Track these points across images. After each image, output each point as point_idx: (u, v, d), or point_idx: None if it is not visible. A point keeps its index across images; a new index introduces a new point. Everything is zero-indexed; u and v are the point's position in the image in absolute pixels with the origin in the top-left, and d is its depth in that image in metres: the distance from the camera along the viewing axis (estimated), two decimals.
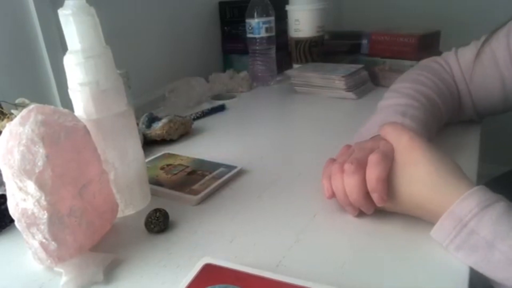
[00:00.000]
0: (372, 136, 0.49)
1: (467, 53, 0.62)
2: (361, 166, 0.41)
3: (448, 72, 0.63)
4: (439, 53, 0.67)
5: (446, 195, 0.37)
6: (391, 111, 0.54)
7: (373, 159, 0.41)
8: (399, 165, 0.41)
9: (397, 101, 0.56)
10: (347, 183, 0.42)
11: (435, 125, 0.56)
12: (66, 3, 0.40)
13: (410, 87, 0.58)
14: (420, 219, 0.41)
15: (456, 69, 0.62)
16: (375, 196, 0.40)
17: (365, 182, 0.41)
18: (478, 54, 0.59)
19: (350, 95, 0.87)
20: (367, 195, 0.41)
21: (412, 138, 0.41)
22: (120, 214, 0.47)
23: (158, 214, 0.44)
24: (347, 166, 0.41)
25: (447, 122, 0.62)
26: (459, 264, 0.36)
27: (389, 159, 0.41)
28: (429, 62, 0.66)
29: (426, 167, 0.39)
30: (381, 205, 0.41)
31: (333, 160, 0.47)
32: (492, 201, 0.35)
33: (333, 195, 0.44)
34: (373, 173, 0.40)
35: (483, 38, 0.60)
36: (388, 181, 0.40)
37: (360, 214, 0.44)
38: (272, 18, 1.00)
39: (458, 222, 0.35)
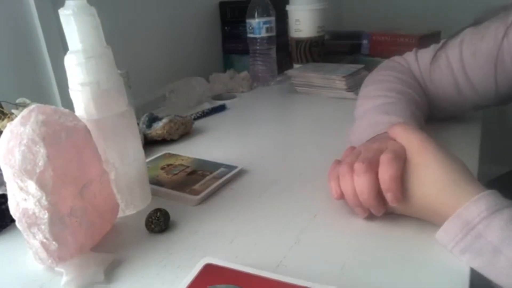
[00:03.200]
0: (368, 137, 0.49)
1: (426, 55, 0.63)
2: (372, 165, 0.41)
3: (408, 69, 0.64)
4: None
5: (456, 198, 0.37)
6: (372, 114, 0.54)
7: (385, 158, 0.40)
8: (411, 166, 0.40)
9: (372, 104, 0.56)
10: (358, 183, 0.41)
11: (419, 113, 0.56)
12: (67, 3, 0.41)
13: (374, 88, 0.59)
14: (422, 221, 0.41)
15: (415, 67, 0.64)
16: (389, 196, 0.40)
17: (376, 181, 0.40)
18: (435, 58, 0.61)
19: (351, 95, 0.87)
20: (378, 195, 0.40)
21: (423, 139, 0.41)
22: (120, 214, 0.47)
23: (158, 214, 0.44)
24: (357, 166, 0.41)
25: (433, 117, 0.62)
26: (460, 266, 0.36)
27: (401, 159, 0.41)
28: (388, 62, 0.68)
29: (437, 170, 0.39)
30: (395, 204, 0.40)
31: (338, 162, 0.46)
32: (502, 206, 0.35)
33: (341, 196, 0.43)
34: (386, 172, 0.39)
35: (441, 45, 0.62)
36: (401, 182, 0.40)
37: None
38: (273, 18, 1.00)
39: (466, 225, 0.35)
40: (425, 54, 0.63)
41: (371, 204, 0.41)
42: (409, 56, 0.66)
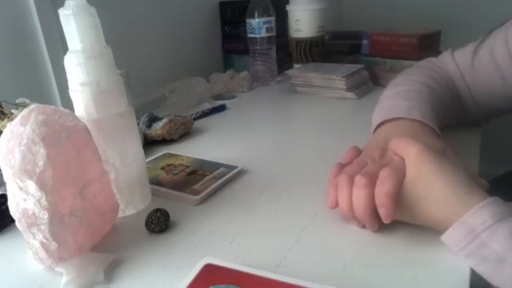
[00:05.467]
0: (384, 118, 0.50)
1: (464, 53, 0.62)
2: (373, 180, 0.40)
3: (443, 70, 0.63)
4: (439, 53, 0.68)
5: (458, 209, 0.36)
6: (394, 98, 0.55)
7: (384, 173, 0.40)
8: (410, 180, 0.39)
9: (396, 89, 0.56)
10: (356, 196, 0.40)
11: (440, 109, 0.55)
12: (66, 3, 0.41)
13: (404, 82, 0.59)
14: None
15: (453, 67, 0.62)
16: (382, 211, 0.39)
17: (374, 197, 0.39)
18: (475, 53, 0.60)
19: (351, 95, 0.87)
20: (373, 211, 0.40)
21: (420, 151, 0.40)
22: (120, 214, 0.47)
23: (158, 214, 0.44)
24: (358, 179, 0.40)
25: (450, 124, 0.61)
26: (460, 266, 0.36)
27: (400, 174, 0.40)
28: (422, 62, 0.67)
29: (436, 184, 0.38)
30: (387, 221, 0.39)
31: (340, 165, 0.45)
32: (506, 214, 0.34)
33: (336, 206, 0.42)
34: (382, 188, 0.39)
35: (481, 40, 0.60)
36: (399, 197, 0.39)
37: None
38: (273, 18, 1.00)
39: (470, 232, 0.35)
40: (464, 51, 0.62)
41: (366, 219, 0.40)
42: (445, 56, 0.64)
